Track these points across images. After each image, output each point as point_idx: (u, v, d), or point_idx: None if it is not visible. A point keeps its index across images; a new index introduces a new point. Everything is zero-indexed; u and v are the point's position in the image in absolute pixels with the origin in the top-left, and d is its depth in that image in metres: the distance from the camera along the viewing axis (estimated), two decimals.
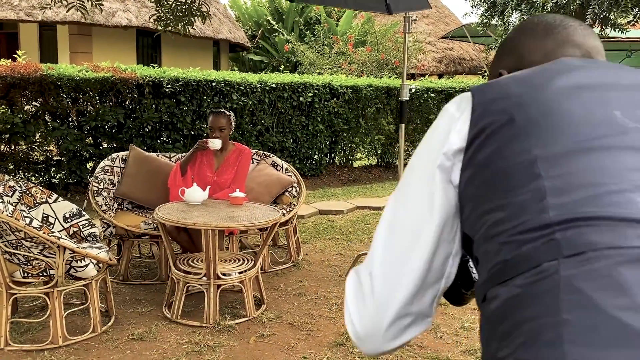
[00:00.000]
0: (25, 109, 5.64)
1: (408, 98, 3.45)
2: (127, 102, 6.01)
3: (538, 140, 0.67)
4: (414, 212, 0.76)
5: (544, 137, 0.67)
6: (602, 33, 11.99)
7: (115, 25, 10.42)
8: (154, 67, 6.46)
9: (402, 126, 3.53)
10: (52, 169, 6.00)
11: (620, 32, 11.62)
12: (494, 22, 12.63)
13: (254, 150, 4.38)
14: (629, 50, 16.02)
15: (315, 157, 7.27)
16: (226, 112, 3.67)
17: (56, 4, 4.30)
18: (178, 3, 3.97)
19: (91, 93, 5.75)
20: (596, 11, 9.25)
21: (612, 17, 10.91)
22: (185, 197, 3.33)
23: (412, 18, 3.23)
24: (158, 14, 4.19)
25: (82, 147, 5.89)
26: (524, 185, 0.65)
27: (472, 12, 14.41)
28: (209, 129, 3.63)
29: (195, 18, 4.07)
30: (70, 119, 5.89)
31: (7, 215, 2.48)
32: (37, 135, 5.74)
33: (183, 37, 10.55)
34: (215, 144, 3.61)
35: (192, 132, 6.31)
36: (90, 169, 6.14)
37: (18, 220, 2.48)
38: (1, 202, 2.61)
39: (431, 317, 0.78)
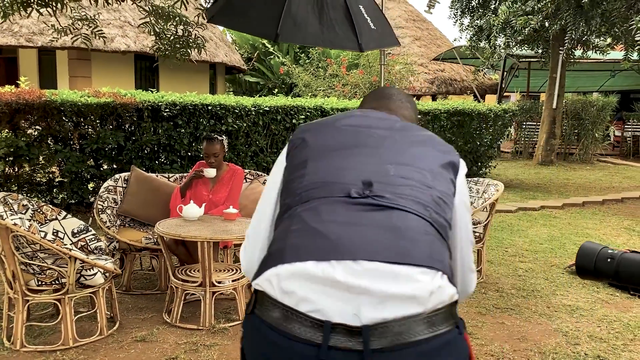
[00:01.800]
0: (28, 132, 5.98)
1: None
2: (127, 126, 6.36)
3: (310, 151, 1.27)
4: (266, 196, 1.33)
5: (314, 149, 1.27)
6: (584, 55, 12.51)
7: (114, 50, 10.83)
8: (152, 92, 6.82)
9: None
10: (55, 190, 6.32)
11: (601, 54, 12.12)
12: (481, 45, 13.15)
13: (247, 170, 4.71)
14: (612, 71, 16.56)
15: None
16: (218, 137, 4.02)
17: (62, 36, 4.65)
18: (176, 37, 4.34)
19: (93, 117, 6.10)
20: (573, 35, 9.70)
21: (590, 40, 11.40)
22: (182, 214, 3.66)
23: (386, 52, 3.59)
24: (157, 46, 4.56)
25: (83, 168, 6.21)
26: (299, 172, 1.25)
27: (460, 37, 14.95)
28: (204, 155, 3.97)
29: (191, 50, 4.44)
30: (72, 142, 6.22)
31: (24, 229, 2.80)
32: (41, 158, 6.06)
33: (180, 62, 10.89)
34: (210, 172, 3.96)
35: (189, 154, 6.65)
36: (91, 189, 6.47)
37: (34, 234, 2.80)
38: (19, 218, 2.93)
39: None
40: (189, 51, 4.44)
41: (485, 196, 4.36)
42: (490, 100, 18.78)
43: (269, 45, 15.96)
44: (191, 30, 4.30)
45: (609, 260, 4.07)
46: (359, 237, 1.07)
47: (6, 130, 5.83)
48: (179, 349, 2.98)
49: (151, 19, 4.19)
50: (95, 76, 11.38)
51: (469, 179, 4.74)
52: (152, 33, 4.48)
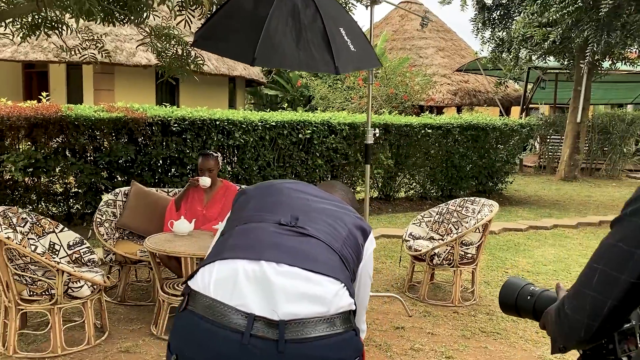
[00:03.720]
0: (47, 145, 6.23)
1: (372, 142, 3.85)
2: (138, 139, 6.56)
3: (253, 197, 1.58)
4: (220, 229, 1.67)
5: (256, 196, 1.57)
6: (612, 67, 12.29)
7: (136, 64, 11.17)
8: (165, 106, 7.02)
9: (367, 167, 3.93)
10: (71, 200, 6.55)
11: (631, 65, 11.88)
12: (504, 56, 13.06)
13: (244, 186, 4.82)
14: None
15: None
16: (214, 154, 4.14)
17: (70, 56, 4.86)
18: (175, 56, 4.49)
19: (105, 131, 6.32)
20: (595, 48, 9.54)
21: (616, 51, 11.16)
22: (173, 229, 3.77)
23: (374, 71, 3.66)
24: (160, 63, 4.74)
25: (97, 180, 6.43)
26: (242, 208, 1.55)
27: (482, 50, 14.88)
28: (198, 170, 4.09)
29: (190, 68, 4.58)
30: (86, 155, 6.46)
31: (16, 243, 2.96)
32: (57, 169, 6.31)
33: (199, 75, 11.13)
34: (205, 181, 4.08)
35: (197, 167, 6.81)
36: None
37: (25, 247, 2.95)
38: (12, 231, 3.09)
39: None
40: (187, 71, 4.60)
41: (479, 216, 4.35)
42: (516, 112, 18.56)
43: None
44: (190, 50, 4.45)
45: (528, 297, 3.95)
46: (281, 249, 1.35)
47: (27, 143, 6.10)
48: None
49: (152, 38, 4.35)
50: (118, 89, 11.75)
51: (466, 198, 4.73)
52: (153, 52, 4.66)
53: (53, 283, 3.04)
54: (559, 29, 9.80)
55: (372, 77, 3.63)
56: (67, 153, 6.35)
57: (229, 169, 6.94)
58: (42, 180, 6.36)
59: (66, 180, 6.52)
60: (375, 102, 12.49)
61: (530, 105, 17.96)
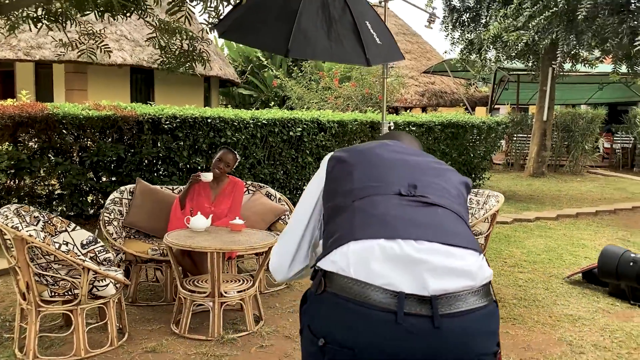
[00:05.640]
0: (29, 145, 5.99)
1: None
2: (126, 138, 6.40)
3: (354, 165, 1.46)
4: (303, 204, 1.52)
5: (356, 164, 1.46)
6: (573, 68, 12.74)
7: (111, 63, 10.87)
8: (151, 105, 6.87)
9: None
10: (54, 202, 6.32)
11: (590, 67, 12.34)
12: (472, 57, 13.33)
13: (249, 182, 4.77)
14: (601, 83, 16.86)
15: (304, 187, 7.68)
16: (236, 153, 4.12)
17: (68, 50, 4.71)
18: (182, 50, 4.40)
19: (93, 130, 6.13)
20: (564, 49, 9.87)
21: (581, 53, 11.60)
22: (190, 225, 3.70)
23: (389, 65, 3.70)
24: (162, 59, 4.63)
25: (83, 181, 6.23)
26: (345, 180, 1.44)
27: (451, 50, 15.15)
28: (217, 160, 4.03)
29: (196, 63, 4.51)
30: (72, 155, 6.24)
31: (39, 241, 2.84)
32: (41, 171, 6.08)
33: (176, 75, 10.91)
34: (207, 177, 4.02)
35: (188, 166, 6.70)
36: (90, 202, 6.48)
37: (49, 245, 2.84)
38: (34, 229, 2.97)
39: (311, 263, 1.53)
40: (194, 65, 4.51)
41: (487, 207, 4.44)
42: (480, 113, 19.01)
43: (263, 59, 16.09)
44: (196, 44, 4.37)
45: (631, 264, 4.12)
46: (416, 224, 1.30)
47: (6, 143, 5.85)
48: (189, 359, 3.01)
49: (157, 33, 4.25)
50: (92, 89, 11.41)
51: None
52: (157, 47, 4.55)
53: (78, 282, 2.93)
54: (532, 32, 10.10)
55: (386, 72, 3.66)
56: (52, 153, 6.13)
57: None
58: (25, 181, 6.12)
59: (50, 182, 6.30)
60: (351, 102, 12.56)
61: (495, 106, 18.42)
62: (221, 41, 17.04)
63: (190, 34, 4.25)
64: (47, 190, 6.30)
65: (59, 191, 6.38)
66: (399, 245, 1.24)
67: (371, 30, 3.11)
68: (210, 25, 4.34)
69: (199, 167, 6.70)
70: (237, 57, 17.28)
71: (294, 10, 2.88)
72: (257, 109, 13.33)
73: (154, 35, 4.19)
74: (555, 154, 14.46)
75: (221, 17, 3.40)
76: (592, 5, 7.85)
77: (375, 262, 1.22)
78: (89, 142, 6.24)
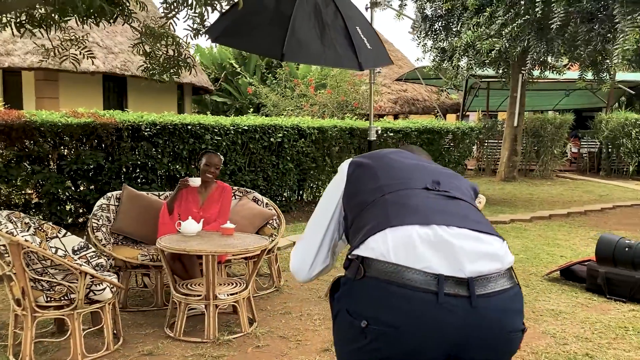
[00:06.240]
0: (5, 153, 5.88)
1: (375, 138, 3.98)
2: (105, 146, 6.33)
3: (376, 167, 1.55)
4: (324, 205, 1.59)
5: (379, 166, 1.56)
6: (542, 75, 13.14)
7: (83, 71, 10.72)
8: (128, 112, 6.83)
9: None
10: (31, 211, 6.21)
11: (557, 74, 12.75)
12: (444, 65, 13.60)
13: (236, 187, 4.80)
14: (567, 90, 17.41)
15: (284, 194, 7.73)
16: (219, 154, 4.14)
17: (51, 57, 4.67)
18: (167, 56, 4.42)
19: (72, 137, 6.06)
20: (534, 56, 10.19)
21: (549, 60, 11.98)
22: (181, 230, 3.71)
23: (376, 70, 3.80)
24: (146, 65, 4.63)
25: (62, 189, 6.14)
26: (369, 180, 1.53)
27: (423, 58, 15.40)
28: (204, 165, 4.05)
29: (182, 69, 4.53)
30: (50, 163, 6.15)
31: (36, 246, 2.82)
32: (18, 179, 5.96)
33: (149, 82, 10.87)
34: (195, 181, 4.05)
35: (168, 173, 6.67)
36: (68, 210, 6.39)
37: (45, 250, 2.82)
38: (30, 235, 2.94)
39: (330, 263, 1.62)
40: (179, 71, 4.53)
41: None
42: (451, 120, 19.38)
43: (237, 66, 16.09)
44: (182, 50, 4.40)
45: (626, 249, 4.31)
46: (444, 212, 1.40)
47: None
48: None
49: (143, 38, 4.26)
50: (63, 97, 11.22)
51: None
52: (141, 53, 4.55)
53: (75, 287, 2.91)
54: (503, 40, 10.39)
55: (374, 77, 3.76)
56: (29, 161, 6.03)
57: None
58: (1, 190, 6.00)
59: (27, 191, 6.19)
60: (327, 109, 12.68)
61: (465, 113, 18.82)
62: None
63: (178, 39, 4.27)
64: (23, 200, 6.19)
65: (35, 200, 6.27)
66: (433, 231, 1.34)
67: (361, 35, 3.20)
68: (194, 32, 4.39)
69: (179, 175, 6.68)
70: (209, 64, 17.23)
71: (287, 15, 2.95)
72: (233, 116, 13.32)
73: (140, 40, 4.20)
74: (525, 159, 14.85)
75: (212, 23, 3.44)
76: (565, 14, 8.14)
77: (414, 247, 1.31)
78: (71, 150, 6.16)
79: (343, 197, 1.57)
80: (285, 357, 3.11)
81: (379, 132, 4.06)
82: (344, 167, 1.61)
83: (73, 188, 6.32)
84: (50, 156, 6.15)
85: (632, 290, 4.21)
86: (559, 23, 8.06)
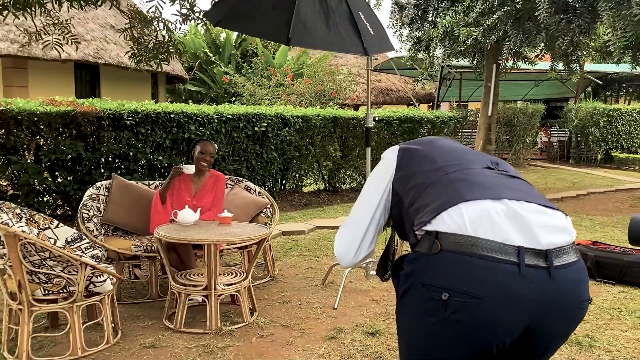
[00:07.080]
0: None
1: (372, 125, 3.96)
2: (85, 135, 6.15)
3: (429, 151, 1.56)
4: (373, 187, 1.57)
5: (431, 150, 1.56)
6: (515, 65, 13.33)
7: (54, 58, 10.37)
8: (108, 100, 6.64)
9: (368, 149, 4.05)
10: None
11: (530, 64, 12.96)
12: (420, 55, 13.64)
13: (227, 176, 4.71)
14: (537, 80, 17.73)
15: (268, 183, 7.65)
16: (213, 142, 4.07)
17: (33, 41, 4.49)
18: (156, 42, 4.29)
19: (51, 127, 5.86)
20: (510, 46, 10.31)
21: (523, 51, 12.14)
22: (178, 219, 3.62)
23: (372, 57, 3.77)
24: (133, 51, 4.49)
25: (39, 180, 5.94)
26: (424, 162, 1.53)
27: (401, 48, 15.45)
28: (199, 153, 3.96)
29: (172, 55, 4.41)
30: (27, 153, 5.94)
31: (33, 236, 2.71)
32: None
33: (122, 70, 10.54)
34: (189, 169, 3.97)
35: (150, 163, 6.52)
36: (46, 202, 6.18)
37: (44, 241, 2.71)
38: (26, 226, 2.82)
39: (373, 248, 1.61)
40: (169, 57, 4.41)
41: None
42: (423, 109, 19.55)
43: (211, 55, 15.84)
44: (172, 35, 4.28)
45: None
46: (511, 188, 1.42)
47: None
48: (191, 352, 2.96)
49: (132, 24, 4.13)
50: (33, 86, 10.84)
51: None
52: (128, 38, 4.41)
53: (74, 279, 2.81)
54: (480, 29, 10.47)
55: (371, 64, 3.73)
56: (4, 151, 5.80)
57: (184, 163, 6.70)
58: None
59: (1, 182, 5.96)
60: (304, 98, 12.59)
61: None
62: None
63: (168, 23, 4.15)
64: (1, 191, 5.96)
65: (11, 192, 6.05)
66: (506, 205, 1.35)
67: (364, 21, 3.16)
68: (182, 17, 4.28)
69: (161, 165, 6.54)
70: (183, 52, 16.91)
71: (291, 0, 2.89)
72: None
73: (131, 25, 4.06)
74: (498, 147, 15.09)
75: (210, 6, 3.35)
76: (549, 6, 8.23)
77: (491, 220, 1.32)
78: (47, 140, 5.95)
79: (394, 182, 1.55)
80: (292, 345, 3.07)
81: (376, 119, 4.03)
82: (390, 155, 1.60)
83: (51, 179, 6.12)
84: (27, 146, 5.94)
85: (621, 273, 4.32)
86: (544, 14, 8.15)
